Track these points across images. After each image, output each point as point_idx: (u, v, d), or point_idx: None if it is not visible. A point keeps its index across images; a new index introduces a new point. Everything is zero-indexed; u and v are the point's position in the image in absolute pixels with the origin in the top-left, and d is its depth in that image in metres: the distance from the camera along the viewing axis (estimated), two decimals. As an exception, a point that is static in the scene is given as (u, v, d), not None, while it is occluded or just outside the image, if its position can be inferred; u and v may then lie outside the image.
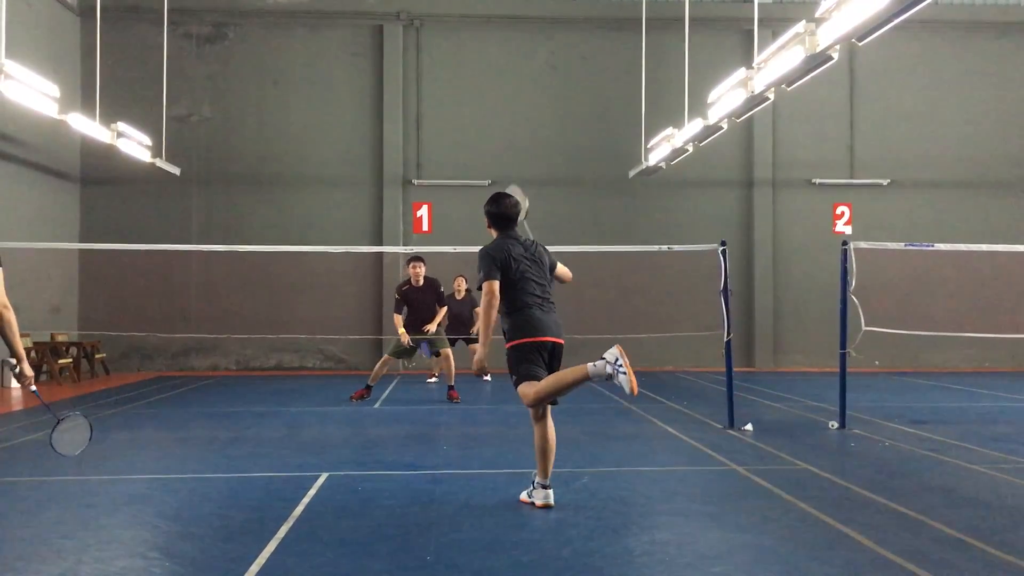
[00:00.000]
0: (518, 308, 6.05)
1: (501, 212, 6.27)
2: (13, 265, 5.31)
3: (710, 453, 8.25)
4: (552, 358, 6.12)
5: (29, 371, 5.63)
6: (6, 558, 4.96)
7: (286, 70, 18.70)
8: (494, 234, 6.32)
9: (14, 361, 5.63)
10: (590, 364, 5.73)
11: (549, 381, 5.87)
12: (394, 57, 18.67)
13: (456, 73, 18.93)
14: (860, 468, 7.57)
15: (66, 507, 6.07)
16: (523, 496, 6.17)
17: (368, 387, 12.56)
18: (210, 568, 4.74)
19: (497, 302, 5.98)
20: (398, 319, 12.27)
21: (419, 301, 12.32)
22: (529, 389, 5.92)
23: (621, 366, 5.58)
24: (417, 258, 12.46)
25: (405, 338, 12.23)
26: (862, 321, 9.53)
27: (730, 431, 9.54)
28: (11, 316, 5.20)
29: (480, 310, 6.06)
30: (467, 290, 15.06)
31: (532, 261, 6.17)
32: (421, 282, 12.35)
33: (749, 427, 9.62)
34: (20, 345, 5.43)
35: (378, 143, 18.67)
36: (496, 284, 5.99)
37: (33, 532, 5.39)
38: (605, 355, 5.67)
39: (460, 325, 14.60)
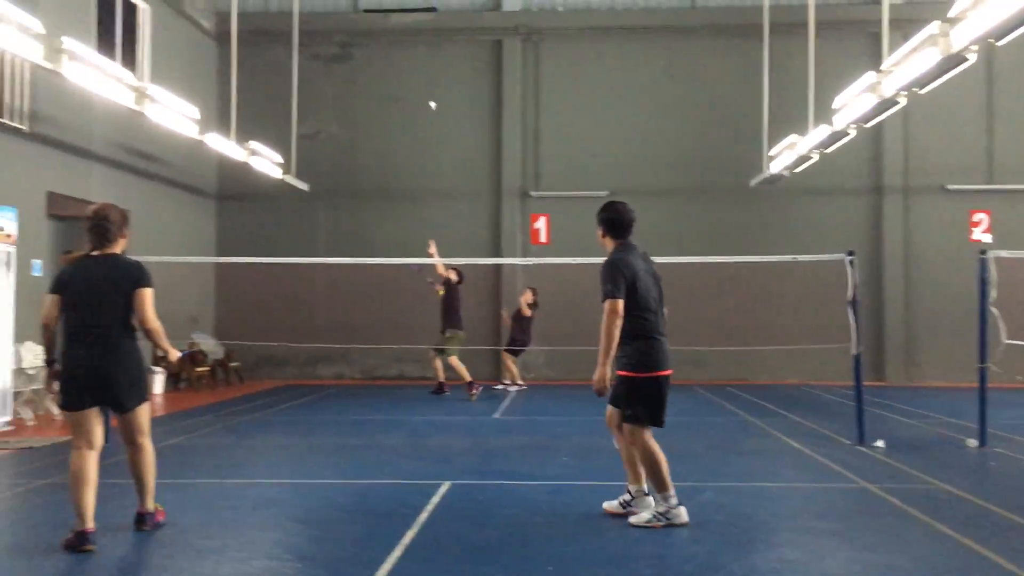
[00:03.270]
0: (644, 334, 5.68)
1: (619, 218, 5.89)
2: (156, 277, 5.64)
3: (838, 470, 8.00)
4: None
5: (174, 353, 6.00)
6: (153, 557, 5.26)
7: (408, 87, 19.17)
8: (608, 245, 5.92)
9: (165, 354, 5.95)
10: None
11: (655, 460, 5.67)
12: (512, 71, 18.89)
13: (574, 85, 19.00)
14: (1001, 488, 7.21)
15: (206, 509, 6.39)
16: (612, 507, 6.13)
17: (442, 385, 14.58)
18: (340, 571, 4.91)
19: (621, 323, 5.57)
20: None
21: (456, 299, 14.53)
22: (646, 437, 5.67)
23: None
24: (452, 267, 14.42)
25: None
26: (1003, 334, 9.07)
27: (860, 447, 9.22)
28: (156, 328, 5.50)
29: (603, 329, 5.55)
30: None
31: (654, 279, 5.84)
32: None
33: (880, 443, 9.27)
34: (165, 344, 5.69)
35: (496, 156, 18.92)
36: (622, 304, 5.57)
37: (177, 532, 5.69)
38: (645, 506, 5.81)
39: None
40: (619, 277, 5.62)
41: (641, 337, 5.67)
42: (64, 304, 5.42)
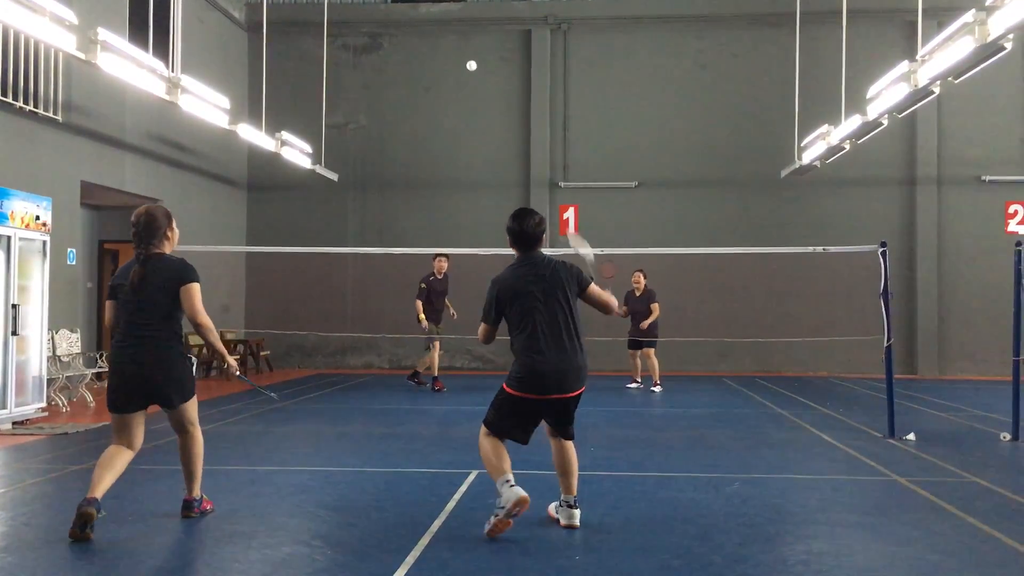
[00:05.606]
0: (521, 351, 5.49)
1: (522, 231, 5.63)
2: (187, 267, 5.64)
3: (869, 462, 7.93)
4: (558, 412, 5.56)
5: (232, 364, 6.01)
6: (183, 542, 5.33)
7: (437, 77, 19.19)
8: (516, 255, 5.79)
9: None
10: (506, 494, 5.25)
11: (489, 453, 5.47)
12: (541, 61, 18.84)
13: (603, 75, 18.92)
14: (1036, 483, 7.10)
15: (236, 495, 6.45)
16: (551, 509, 5.77)
17: (436, 378, 14.19)
18: (369, 558, 4.94)
19: (488, 344, 5.60)
20: (419, 305, 13.75)
21: (439, 291, 13.97)
22: (485, 441, 5.53)
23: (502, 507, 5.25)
24: (442, 254, 14.08)
25: (425, 323, 13.72)
26: (1038, 327, 8.93)
27: (890, 440, 9.14)
28: (204, 323, 5.52)
29: None
30: (646, 286, 14.17)
31: (547, 292, 5.49)
32: (442, 275, 13.98)
33: (911, 436, 9.18)
34: (219, 346, 5.76)
35: (525, 146, 18.89)
36: (486, 329, 5.64)
37: (207, 518, 5.75)
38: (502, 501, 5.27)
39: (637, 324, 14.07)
40: (491, 300, 5.60)
41: (518, 356, 5.50)
42: (117, 308, 5.51)
